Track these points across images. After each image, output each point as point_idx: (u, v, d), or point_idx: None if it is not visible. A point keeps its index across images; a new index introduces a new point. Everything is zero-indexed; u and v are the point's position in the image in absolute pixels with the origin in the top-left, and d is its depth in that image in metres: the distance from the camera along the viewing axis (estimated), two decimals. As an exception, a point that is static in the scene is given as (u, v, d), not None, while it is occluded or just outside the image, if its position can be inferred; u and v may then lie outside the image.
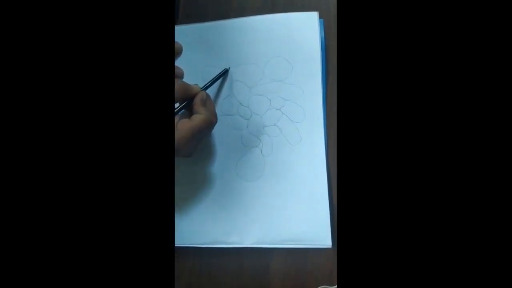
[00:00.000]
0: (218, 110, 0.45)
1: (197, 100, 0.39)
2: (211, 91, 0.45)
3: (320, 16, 0.45)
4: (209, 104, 0.40)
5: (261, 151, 0.44)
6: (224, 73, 0.45)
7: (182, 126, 0.37)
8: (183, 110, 0.40)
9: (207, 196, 0.44)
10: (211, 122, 0.39)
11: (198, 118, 0.38)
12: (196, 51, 0.47)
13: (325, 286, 0.41)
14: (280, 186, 0.43)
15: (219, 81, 0.46)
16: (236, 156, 0.44)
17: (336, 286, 0.40)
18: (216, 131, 0.45)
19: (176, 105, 0.40)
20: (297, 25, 0.45)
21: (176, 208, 0.44)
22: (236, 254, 0.43)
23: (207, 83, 0.43)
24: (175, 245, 0.43)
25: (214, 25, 0.47)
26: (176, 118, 0.38)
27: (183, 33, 0.47)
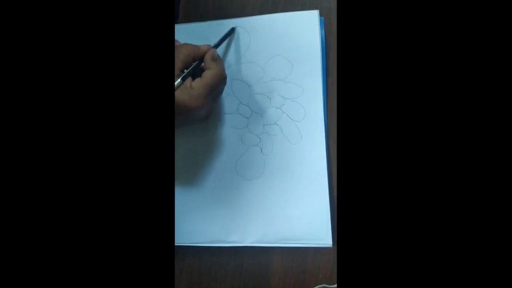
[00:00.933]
0: (218, 109, 0.45)
1: (207, 57, 0.39)
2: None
3: (321, 15, 0.45)
4: (219, 61, 0.40)
5: (261, 149, 0.44)
6: (231, 32, 0.46)
7: (197, 85, 0.37)
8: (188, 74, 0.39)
9: (207, 195, 0.44)
10: (224, 76, 0.39)
11: (210, 73, 0.38)
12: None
13: (324, 285, 0.41)
14: (280, 185, 0.43)
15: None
16: (236, 155, 0.44)
17: (336, 285, 0.40)
18: (216, 129, 0.45)
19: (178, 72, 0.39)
20: (297, 23, 0.45)
21: (176, 206, 0.44)
22: (236, 253, 0.43)
23: (217, 42, 0.43)
24: (175, 244, 0.43)
25: (215, 24, 0.47)
26: (188, 81, 0.38)
27: (183, 31, 0.47)
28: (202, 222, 0.43)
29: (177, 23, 0.49)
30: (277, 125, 0.44)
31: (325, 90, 0.44)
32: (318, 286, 0.41)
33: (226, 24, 0.47)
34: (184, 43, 0.40)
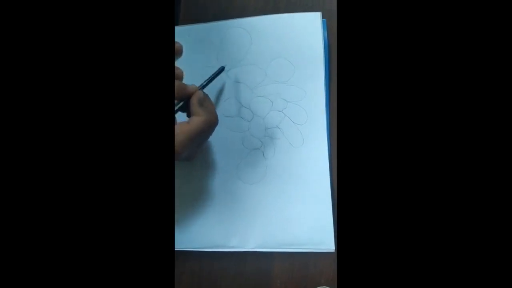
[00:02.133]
0: (219, 112, 0.44)
1: (193, 101, 0.37)
2: (212, 93, 0.44)
3: (323, 17, 0.45)
4: (208, 103, 0.38)
5: (263, 153, 0.44)
6: (220, 72, 0.44)
7: (180, 130, 0.35)
8: (178, 112, 0.38)
9: (208, 199, 0.43)
10: (211, 123, 0.37)
11: (196, 120, 0.36)
12: (197, 51, 0.46)
13: (324, 286, 0.40)
14: (282, 189, 0.42)
15: (221, 82, 0.45)
16: (238, 159, 0.44)
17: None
18: (217, 133, 0.44)
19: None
20: (299, 25, 0.45)
21: (176, 211, 0.43)
22: (237, 258, 0.43)
23: (203, 82, 0.41)
24: (176, 249, 0.43)
25: (215, 26, 0.47)
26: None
27: (184, 33, 0.47)
28: (202, 226, 0.43)
29: (177, 24, 0.49)
30: (279, 128, 0.44)
31: (327, 93, 0.44)
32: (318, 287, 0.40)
33: (227, 25, 0.47)
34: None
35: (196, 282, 0.43)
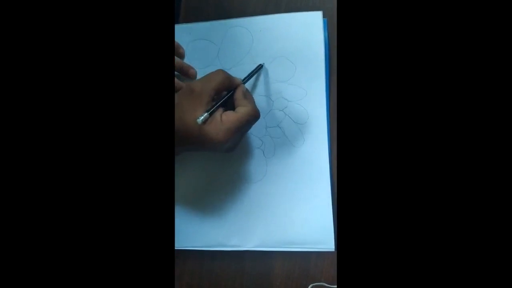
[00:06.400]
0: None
1: (239, 92, 0.39)
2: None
3: (324, 16, 0.45)
4: (250, 97, 0.40)
5: (263, 152, 0.43)
6: (259, 68, 0.44)
7: (227, 118, 0.36)
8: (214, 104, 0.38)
9: (208, 198, 0.43)
10: (256, 114, 0.38)
11: (243, 110, 0.37)
12: (197, 50, 0.46)
13: (323, 283, 0.40)
14: (283, 188, 0.42)
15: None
16: (238, 157, 0.44)
17: (336, 287, 0.40)
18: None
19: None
20: (300, 25, 0.45)
21: (176, 210, 0.43)
22: (237, 257, 0.43)
23: (246, 77, 0.42)
24: (176, 248, 0.43)
25: (217, 24, 0.47)
26: (218, 112, 0.37)
27: (184, 31, 0.47)
28: (203, 225, 0.43)
29: (178, 22, 0.49)
30: (279, 127, 0.44)
31: (328, 92, 0.44)
32: (316, 283, 0.40)
33: (228, 24, 0.46)
34: (218, 70, 0.38)
35: (196, 281, 0.43)
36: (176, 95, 0.38)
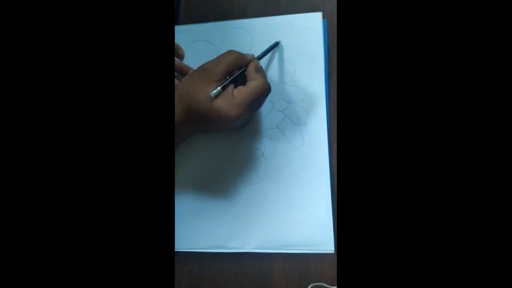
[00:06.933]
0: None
1: (251, 68, 0.39)
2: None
3: (324, 17, 0.45)
4: (262, 72, 0.40)
5: (262, 153, 0.43)
6: (275, 45, 0.44)
7: (239, 93, 0.36)
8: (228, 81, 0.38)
9: (207, 200, 0.43)
10: (267, 87, 0.38)
11: (254, 83, 0.37)
12: (197, 51, 0.46)
13: (322, 283, 0.40)
14: (282, 189, 0.42)
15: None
16: (237, 159, 0.43)
17: (336, 287, 0.40)
18: (217, 133, 0.44)
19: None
20: (300, 26, 0.45)
21: (176, 212, 0.43)
22: (237, 258, 0.43)
23: (261, 54, 0.42)
24: (175, 250, 0.42)
25: (216, 26, 0.47)
26: (230, 88, 0.37)
27: (184, 32, 0.47)
28: (202, 227, 0.43)
29: (177, 23, 0.49)
30: (279, 128, 0.43)
31: (327, 94, 0.43)
32: (316, 284, 0.40)
33: (227, 26, 0.46)
34: (231, 50, 0.39)
35: (196, 283, 0.43)
36: (188, 75, 0.39)
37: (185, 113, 0.37)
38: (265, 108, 0.44)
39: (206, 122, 0.37)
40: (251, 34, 0.46)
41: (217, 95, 0.36)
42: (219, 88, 0.36)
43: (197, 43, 0.47)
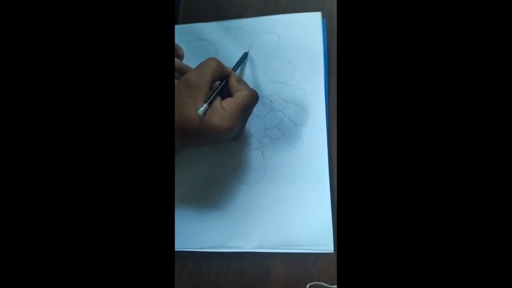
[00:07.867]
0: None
1: (233, 79, 0.39)
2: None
3: (323, 17, 0.45)
4: (244, 82, 0.40)
5: (262, 153, 0.43)
6: (245, 56, 0.45)
7: (228, 104, 0.36)
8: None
9: (207, 200, 0.43)
10: (255, 95, 0.38)
11: (241, 94, 0.37)
12: (197, 51, 0.46)
13: (321, 283, 0.40)
14: (282, 189, 0.42)
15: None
16: (237, 159, 0.44)
17: (335, 286, 0.40)
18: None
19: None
20: (299, 25, 0.45)
21: (176, 211, 0.43)
22: (236, 258, 0.43)
23: (235, 65, 0.43)
24: (175, 250, 0.42)
25: (216, 25, 0.47)
26: (217, 101, 0.37)
27: (183, 32, 0.47)
28: (202, 227, 0.43)
29: (177, 23, 0.49)
30: (278, 128, 0.44)
31: (327, 93, 0.44)
32: (314, 283, 0.40)
33: (227, 25, 0.46)
34: (210, 58, 0.38)
35: (195, 283, 0.43)
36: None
37: (177, 130, 0.36)
38: (265, 108, 0.44)
39: (198, 138, 0.37)
40: (251, 33, 0.46)
41: (205, 112, 0.35)
42: (205, 105, 0.35)
43: (197, 43, 0.47)
